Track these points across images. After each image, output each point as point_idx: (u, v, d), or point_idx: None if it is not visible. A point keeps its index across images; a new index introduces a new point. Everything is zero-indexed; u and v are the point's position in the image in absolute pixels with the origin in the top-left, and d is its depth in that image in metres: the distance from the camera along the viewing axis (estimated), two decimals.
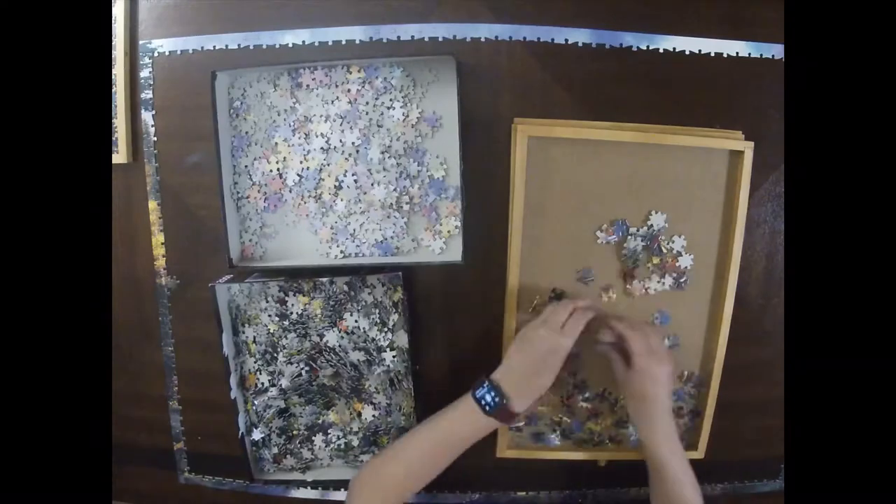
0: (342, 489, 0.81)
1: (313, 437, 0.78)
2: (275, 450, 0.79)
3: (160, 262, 0.77)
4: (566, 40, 0.68)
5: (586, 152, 0.68)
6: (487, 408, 0.62)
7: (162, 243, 0.76)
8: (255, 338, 0.76)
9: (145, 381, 0.80)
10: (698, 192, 0.70)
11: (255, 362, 0.76)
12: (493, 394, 0.62)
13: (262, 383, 0.77)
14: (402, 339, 0.73)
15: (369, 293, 0.74)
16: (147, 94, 0.73)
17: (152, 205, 0.75)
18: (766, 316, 0.75)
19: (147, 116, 0.73)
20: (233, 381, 0.75)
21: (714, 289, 0.72)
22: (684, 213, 0.70)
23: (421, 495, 0.79)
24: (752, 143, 0.67)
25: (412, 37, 0.69)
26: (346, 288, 0.74)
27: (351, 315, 0.74)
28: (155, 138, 0.74)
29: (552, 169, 0.69)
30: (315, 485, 0.81)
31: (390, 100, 0.70)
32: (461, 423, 0.64)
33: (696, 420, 0.76)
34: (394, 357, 0.74)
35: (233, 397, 0.75)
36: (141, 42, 0.72)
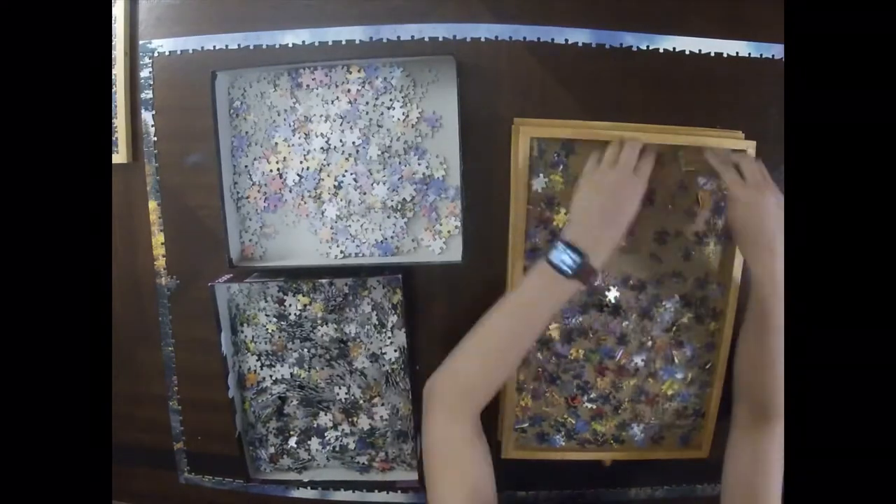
0: (341, 489, 0.81)
1: (309, 440, 0.78)
2: (271, 450, 0.79)
3: (160, 262, 0.77)
4: (566, 40, 0.68)
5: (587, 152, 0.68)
6: (569, 270, 0.56)
7: (162, 243, 0.76)
8: (253, 337, 0.76)
9: (145, 381, 0.80)
10: (700, 191, 0.70)
11: (255, 361, 0.76)
12: (570, 253, 0.55)
13: (261, 382, 0.77)
14: (402, 340, 0.73)
15: (368, 294, 0.74)
16: (147, 94, 0.73)
17: (152, 205, 0.75)
18: None
19: (147, 116, 0.73)
20: (231, 380, 0.75)
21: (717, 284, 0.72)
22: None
23: (420, 494, 0.79)
24: (753, 143, 0.67)
25: (412, 37, 0.69)
26: (346, 290, 0.74)
27: (351, 315, 0.74)
28: (155, 138, 0.74)
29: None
30: (314, 485, 0.81)
31: (390, 100, 0.70)
32: (540, 295, 0.58)
33: (699, 420, 0.76)
34: (396, 357, 0.75)
35: (230, 396, 0.75)
36: (141, 42, 0.72)
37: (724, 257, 0.71)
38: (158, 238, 0.76)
